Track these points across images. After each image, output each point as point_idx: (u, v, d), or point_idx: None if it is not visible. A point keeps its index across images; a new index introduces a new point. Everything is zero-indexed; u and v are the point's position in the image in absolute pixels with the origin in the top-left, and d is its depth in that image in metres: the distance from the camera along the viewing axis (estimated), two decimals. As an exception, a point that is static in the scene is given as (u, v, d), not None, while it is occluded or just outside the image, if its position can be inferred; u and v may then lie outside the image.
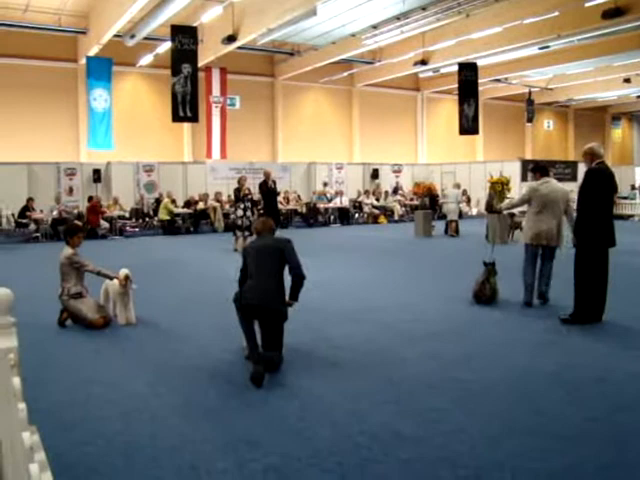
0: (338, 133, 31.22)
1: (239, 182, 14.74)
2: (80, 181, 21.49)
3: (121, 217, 20.74)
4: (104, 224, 19.58)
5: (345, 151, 31.33)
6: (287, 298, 5.49)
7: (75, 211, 20.23)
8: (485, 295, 8.03)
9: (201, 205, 21.58)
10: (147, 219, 21.73)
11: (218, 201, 21.71)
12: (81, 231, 7.41)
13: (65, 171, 21.39)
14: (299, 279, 5.48)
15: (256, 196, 16.25)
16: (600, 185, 6.65)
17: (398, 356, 5.70)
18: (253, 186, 17.03)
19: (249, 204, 14.63)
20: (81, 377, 5.20)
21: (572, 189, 9.31)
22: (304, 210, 23.45)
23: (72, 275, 7.14)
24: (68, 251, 7.17)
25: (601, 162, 6.74)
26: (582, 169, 6.93)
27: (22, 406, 1.44)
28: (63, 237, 7.34)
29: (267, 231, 5.84)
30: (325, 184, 24.77)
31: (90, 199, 20.18)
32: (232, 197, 16.89)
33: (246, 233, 14.08)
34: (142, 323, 7.15)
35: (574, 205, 7.15)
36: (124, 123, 24.73)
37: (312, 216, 23.18)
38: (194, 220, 21.20)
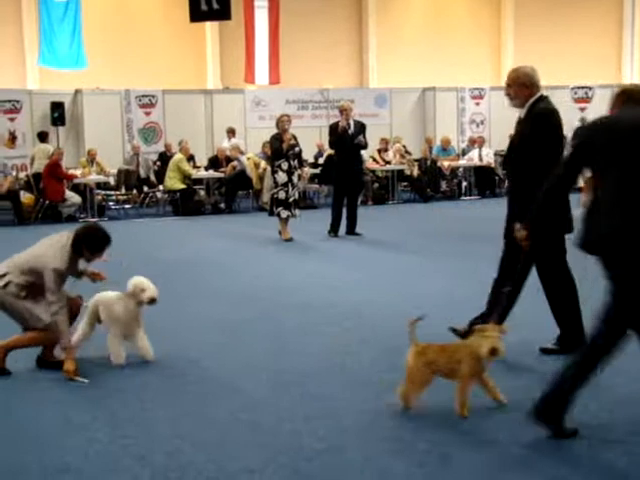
0: (475, 35, 24.34)
1: (278, 125, 12.15)
2: (29, 122, 17.91)
3: (102, 185, 17.12)
4: (72, 196, 15.76)
5: (488, 67, 24.20)
6: None
7: (14, 173, 15.91)
8: None
9: (238, 164, 16.97)
10: (146, 189, 17.96)
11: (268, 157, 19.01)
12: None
13: (1, 105, 17.40)
14: None
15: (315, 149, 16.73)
16: None
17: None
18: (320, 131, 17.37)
19: (295, 162, 11.90)
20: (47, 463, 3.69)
21: None
22: (415, 173, 18.14)
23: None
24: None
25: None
26: None
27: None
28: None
29: None
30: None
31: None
32: (267, 151, 14.70)
33: (295, 211, 11.58)
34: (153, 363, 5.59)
35: None
36: (103, 26, 20.01)
37: (430, 183, 18.30)
38: (227, 190, 16.99)
